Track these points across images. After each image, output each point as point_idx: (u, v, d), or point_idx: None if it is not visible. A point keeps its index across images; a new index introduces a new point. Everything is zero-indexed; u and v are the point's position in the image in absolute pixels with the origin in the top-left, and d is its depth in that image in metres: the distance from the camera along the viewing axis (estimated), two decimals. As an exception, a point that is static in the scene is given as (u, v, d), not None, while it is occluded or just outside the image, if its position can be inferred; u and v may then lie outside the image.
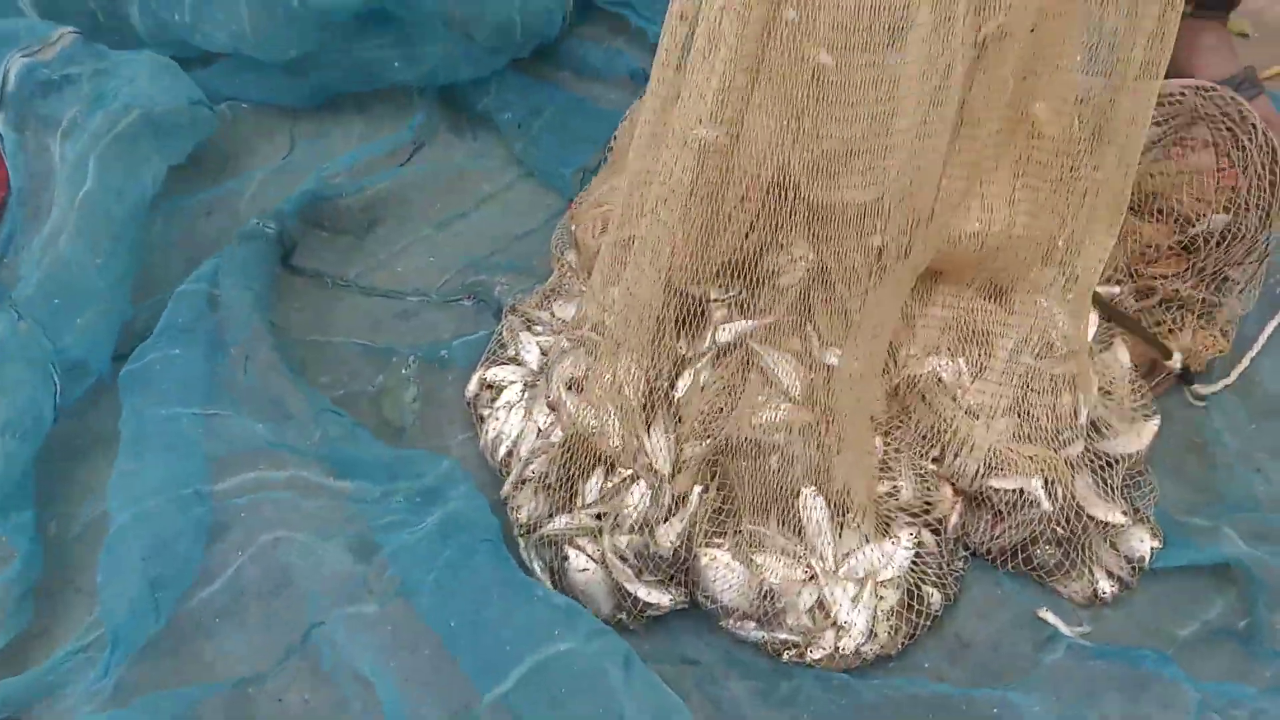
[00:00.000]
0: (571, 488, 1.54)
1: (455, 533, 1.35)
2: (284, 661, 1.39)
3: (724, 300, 1.56)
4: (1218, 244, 1.68)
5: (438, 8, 2.13)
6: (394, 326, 1.88)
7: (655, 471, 1.50)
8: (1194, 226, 1.70)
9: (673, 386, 1.55)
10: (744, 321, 1.55)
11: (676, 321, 1.54)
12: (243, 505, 1.48)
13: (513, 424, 1.64)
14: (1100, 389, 1.57)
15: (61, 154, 1.87)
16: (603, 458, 1.54)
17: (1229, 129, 1.66)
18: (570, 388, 1.61)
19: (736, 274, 1.53)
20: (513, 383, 1.69)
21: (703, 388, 1.53)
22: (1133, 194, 1.73)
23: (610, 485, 1.53)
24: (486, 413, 1.67)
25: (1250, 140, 1.65)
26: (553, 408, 1.62)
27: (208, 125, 2.02)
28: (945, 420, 1.52)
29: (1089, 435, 1.52)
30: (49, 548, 1.57)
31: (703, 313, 1.55)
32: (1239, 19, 2.55)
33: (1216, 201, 1.69)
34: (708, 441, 1.50)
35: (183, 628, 1.42)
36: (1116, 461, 1.50)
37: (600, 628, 1.28)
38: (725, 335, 1.55)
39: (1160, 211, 1.73)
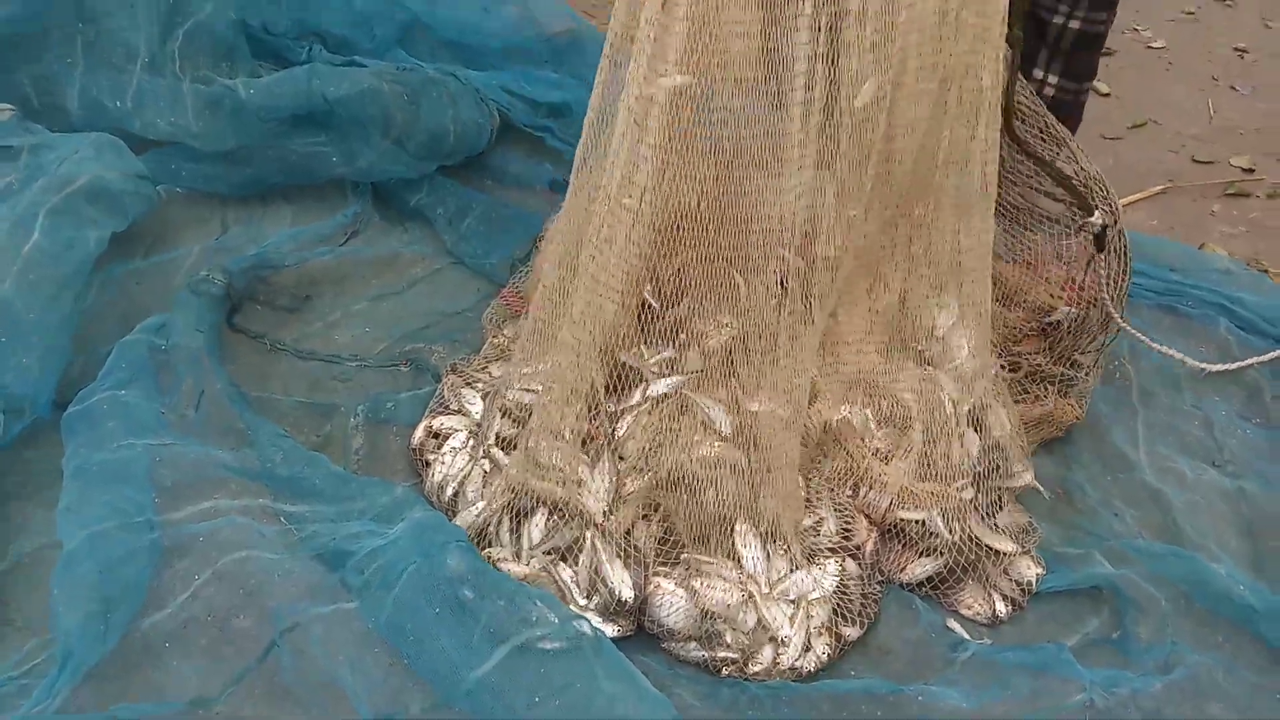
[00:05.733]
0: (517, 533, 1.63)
1: (427, 533, 1.41)
2: (239, 682, 1.40)
3: (656, 360, 1.73)
4: (1068, 331, 1.99)
5: (377, 112, 2.32)
6: (332, 387, 1.95)
7: (592, 510, 1.61)
8: (1048, 316, 2.01)
9: (613, 432, 1.69)
10: (676, 377, 1.72)
11: (606, 386, 1.69)
12: (200, 531, 1.50)
13: (458, 467, 1.72)
14: (985, 444, 1.80)
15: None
16: (541, 501, 1.65)
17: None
18: (504, 445, 1.73)
19: (664, 338, 1.72)
20: (457, 430, 1.78)
21: (642, 429, 1.68)
22: (998, 289, 2.06)
23: (552, 524, 1.63)
24: (433, 458, 1.76)
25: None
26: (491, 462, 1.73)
27: (150, 199, 2.10)
28: (857, 461, 1.71)
29: (987, 476, 1.74)
30: (-23, 583, 1.53)
31: (630, 375, 1.71)
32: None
33: (1068, 298, 2.01)
34: (649, 475, 1.63)
35: (131, 652, 1.42)
36: (1006, 492, 1.73)
37: (574, 614, 1.36)
38: (659, 389, 1.71)
39: (1020, 303, 2.04)
